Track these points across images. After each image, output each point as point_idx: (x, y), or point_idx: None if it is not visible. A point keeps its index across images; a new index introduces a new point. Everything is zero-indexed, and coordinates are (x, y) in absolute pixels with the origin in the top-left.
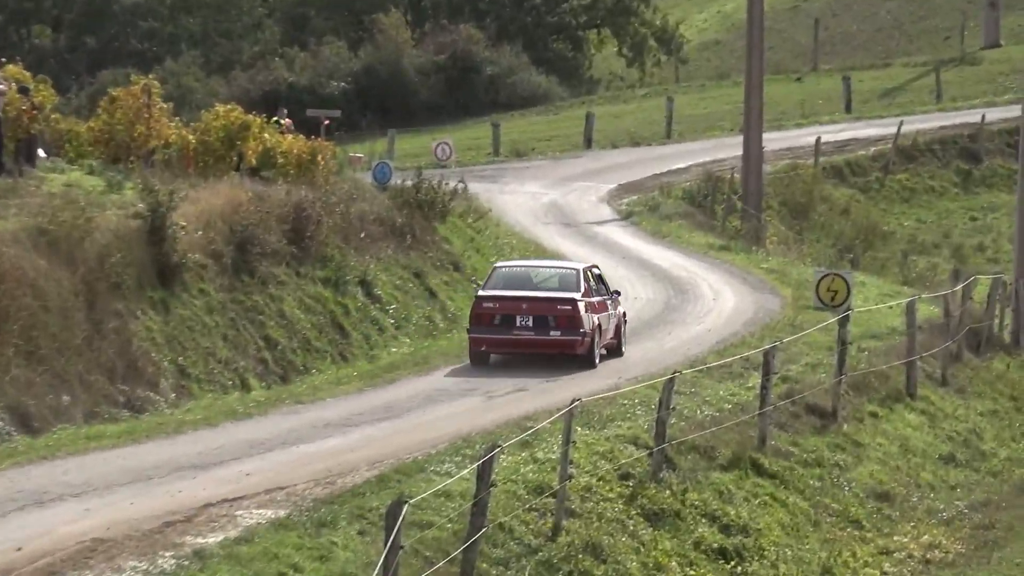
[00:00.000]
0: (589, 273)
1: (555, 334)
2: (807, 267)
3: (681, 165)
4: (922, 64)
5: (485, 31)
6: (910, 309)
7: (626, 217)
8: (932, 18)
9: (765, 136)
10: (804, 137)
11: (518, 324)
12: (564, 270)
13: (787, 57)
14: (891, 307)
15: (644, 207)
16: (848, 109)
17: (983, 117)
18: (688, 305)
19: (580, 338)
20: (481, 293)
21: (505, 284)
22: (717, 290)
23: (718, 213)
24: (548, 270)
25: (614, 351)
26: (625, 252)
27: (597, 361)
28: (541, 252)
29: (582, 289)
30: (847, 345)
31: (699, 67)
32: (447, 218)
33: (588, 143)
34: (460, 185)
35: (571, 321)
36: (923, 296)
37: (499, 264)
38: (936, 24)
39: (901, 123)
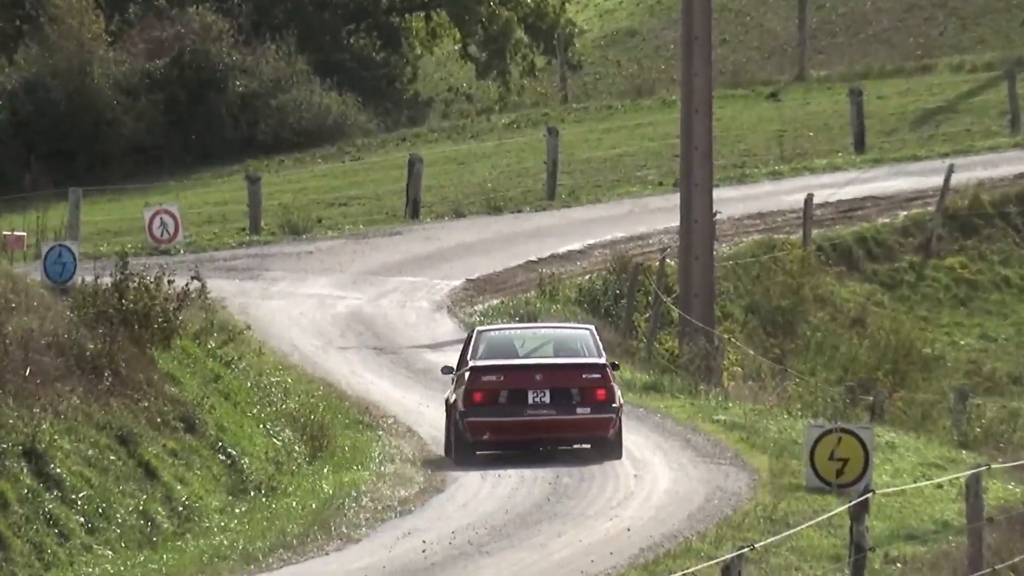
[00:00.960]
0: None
1: (583, 411)
2: (794, 419)
3: (575, 247)
4: (984, 67)
5: (231, 19)
6: (973, 489)
7: None
8: None
9: (721, 194)
10: (785, 195)
11: (531, 402)
12: (573, 330)
13: (755, 59)
14: (940, 486)
15: (511, 317)
16: (860, 146)
17: None
18: (591, 486)
19: (613, 415)
20: (476, 363)
21: (499, 352)
22: (641, 460)
23: (639, 327)
24: (551, 331)
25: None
26: None
27: (623, 450)
28: (339, 396)
29: (603, 354)
30: (866, 554)
31: (603, 77)
32: (173, 342)
33: (414, 210)
34: (195, 284)
35: (604, 394)
36: (996, 466)
37: (482, 328)
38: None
39: (951, 169)
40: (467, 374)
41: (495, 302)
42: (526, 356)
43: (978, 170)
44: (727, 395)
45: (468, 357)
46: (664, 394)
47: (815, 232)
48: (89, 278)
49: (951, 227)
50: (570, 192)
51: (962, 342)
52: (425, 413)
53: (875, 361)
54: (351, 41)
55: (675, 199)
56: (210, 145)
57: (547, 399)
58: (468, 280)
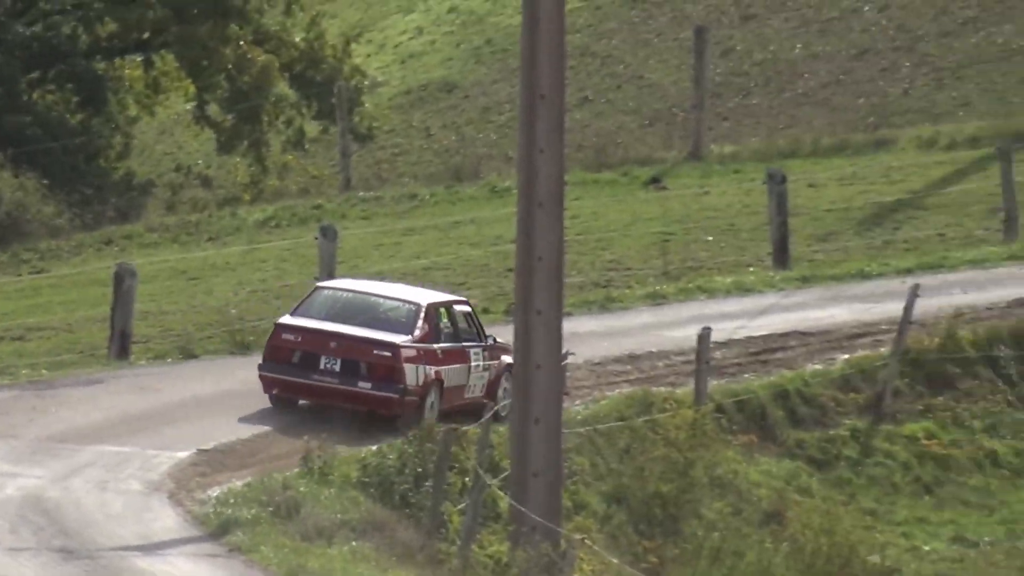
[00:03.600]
0: (440, 311)
1: (364, 386)
2: None
3: None
4: (967, 142)
5: None
6: None
7: (218, 534)
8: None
9: (576, 325)
10: (670, 328)
11: (322, 367)
12: (400, 304)
13: (629, 127)
14: None
15: (263, 506)
16: (781, 257)
17: None
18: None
19: (397, 396)
20: (281, 320)
21: (322, 312)
22: None
23: (451, 522)
24: (382, 301)
25: (482, 411)
26: None
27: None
28: None
29: (417, 331)
30: None
31: (404, 152)
32: None
33: (122, 347)
34: None
35: (388, 372)
36: None
37: (322, 284)
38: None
39: (915, 291)
40: (272, 328)
41: (239, 483)
42: (342, 321)
43: (955, 294)
44: None
45: (290, 312)
46: None
47: (712, 384)
48: None
49: (913, 378)
50: None
51: (927, 548)
52: None
53: (798, 575)
54: (34, 96)
55: (508, 333)
56: None
57: (336, 368)
58: (200, 451)
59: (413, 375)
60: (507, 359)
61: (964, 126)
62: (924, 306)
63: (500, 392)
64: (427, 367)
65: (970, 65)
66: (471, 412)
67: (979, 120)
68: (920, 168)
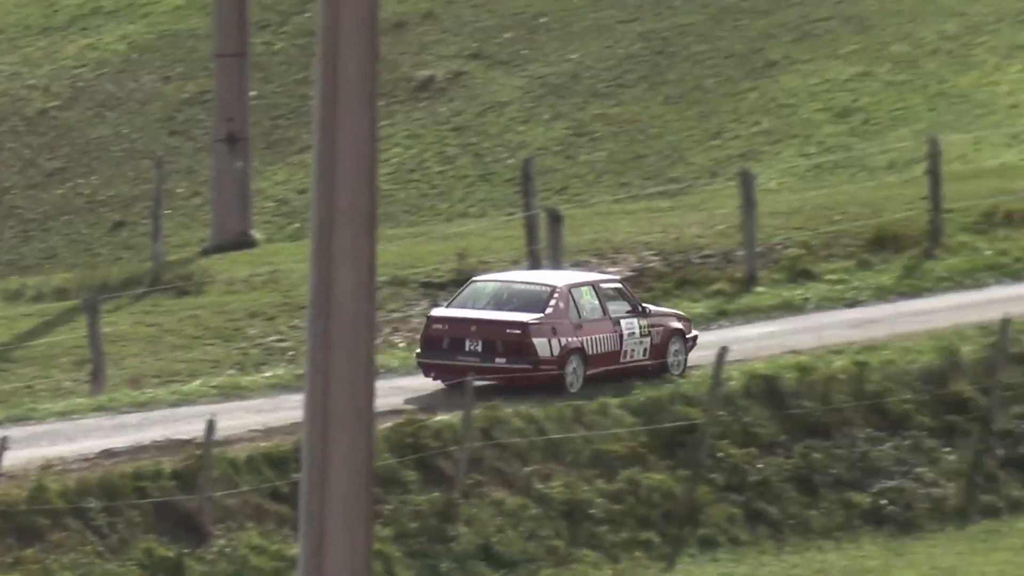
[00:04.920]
0: (581, 290)
1: (501, 361)
2: None
3: None
4: (55, 294)
5: None
6: None
7: None
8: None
9: None
10: None
11: (466, 348)
12: (534, 287)
13: None
14: None
15: None
16: None
17: None
18: None
19: (531, 367)
20: (432, 313)
21: (467, 302)
22: None
23: None
24: (519, 287)
25: (659, 370)
26: None
27: (572, 388)
28: None
29: (549, 310)
30: None
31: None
32: None
33: None
34: None
35: (520, 347)
36: None
37: (477, 278)
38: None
39: (4, 442)
40: (425, 320)
41: None
42: (484, 308)
43: (43, 446)
44: None
45: (444, 305)
46: None
47: None
48: None
49: (2, 531)
50: None
51: None
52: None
53: None
54: None
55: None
56: None
57: (478, 348)
58: None
59: (546, 348)
60: (675, 324)
61: (51, 277)
62: (13, 458)
63: (671, 354)
64: (562, 339)
65: (57, 216)
66: (636, 374)
67: (66, 271)
68: (7, 320)
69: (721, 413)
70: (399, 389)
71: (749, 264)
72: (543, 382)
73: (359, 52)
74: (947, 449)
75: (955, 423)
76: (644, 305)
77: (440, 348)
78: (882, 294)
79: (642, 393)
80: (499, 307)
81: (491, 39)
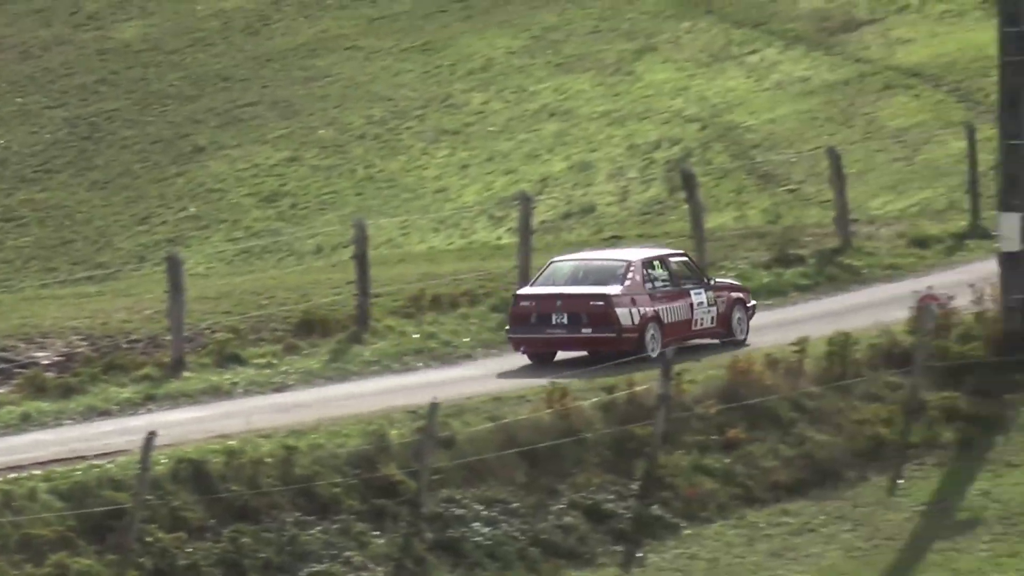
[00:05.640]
0: (654, 263)
1: (586, 331)
2: None
3: None
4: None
5: None
6: None
7: None
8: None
9: None
10: None
11: (553, 322)
12: (610, 263)
13: None
14: None
15: None
16: None
17: None
18: None
19: (615, 335)
20: (519, 292)
21: (550, 280)
22: None
23: None
24: (596, 263)
25: (726, 338)
26: None
27: (653, 354)
28: None
29: (627, 283)
30: None
31: None
32: None
33: None
34: None
35: (604, 317)
36: None
37: (555, 259)
38: None
39: None
40: (512, 298)
41: None
42: (566, 284)
43: None
44: None
45: (529, 284)
46: None
47: None
48: None
49: None
50: None
51: None
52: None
53: None
54: None
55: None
56: None
57: (564, 320)
58: None
59: (627, 317)
60: (736, 295)
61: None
62: None
63: (734, 321)
64: (641, 308)
65: None
66: (708, 338)
67: None
68: None
69: (149, 497)
70: None
71: (176, 349)
72: (626, 348)
73: None
74: (376, 533)
75: (384, 507)
76: (709, 276)
77: (528, 323)
78: (310, 378)
79: (70, 478)
80: (579, 282)
81: None
